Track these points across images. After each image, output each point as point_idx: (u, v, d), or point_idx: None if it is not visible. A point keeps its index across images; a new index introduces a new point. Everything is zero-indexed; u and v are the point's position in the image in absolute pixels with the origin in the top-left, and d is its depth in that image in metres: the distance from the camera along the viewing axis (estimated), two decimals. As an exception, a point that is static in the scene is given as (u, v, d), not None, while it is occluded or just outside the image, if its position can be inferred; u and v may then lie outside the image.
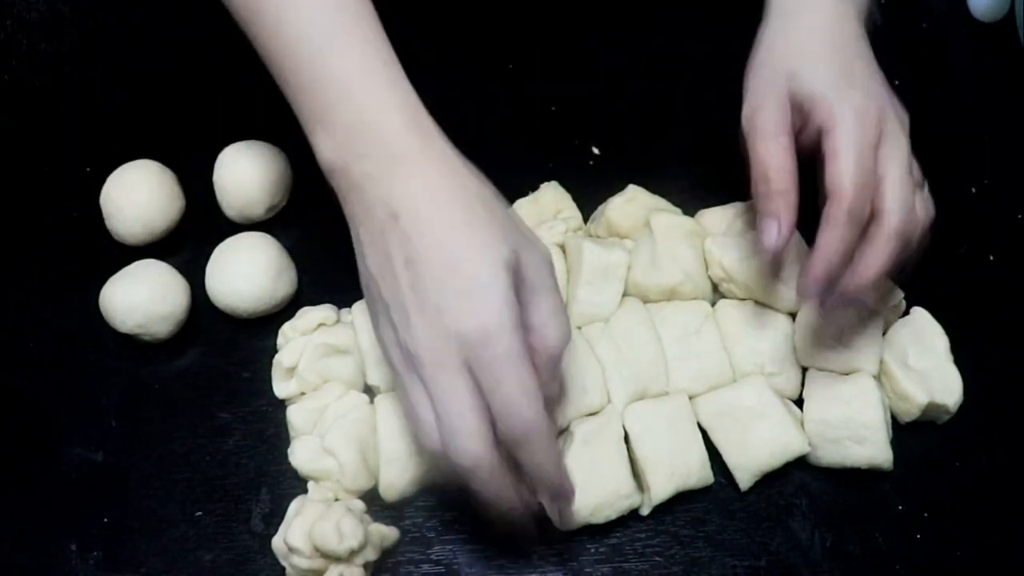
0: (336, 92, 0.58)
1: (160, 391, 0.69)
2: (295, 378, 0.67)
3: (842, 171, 0.59)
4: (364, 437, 0.64)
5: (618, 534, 0.64)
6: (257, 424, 0.68)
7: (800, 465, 0.66)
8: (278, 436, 0.67)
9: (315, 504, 0.61)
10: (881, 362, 0.67)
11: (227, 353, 0.71)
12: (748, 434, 0.64)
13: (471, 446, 0.54)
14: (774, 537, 0.64)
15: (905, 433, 0.67)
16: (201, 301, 0.71)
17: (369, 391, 0.67)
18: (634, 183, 0.73)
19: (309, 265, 0.73)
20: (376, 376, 0.66)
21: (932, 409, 0.67)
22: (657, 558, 0.64)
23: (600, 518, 0.62)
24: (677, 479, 0.63)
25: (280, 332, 0.68)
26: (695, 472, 0.63)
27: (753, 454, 0.64)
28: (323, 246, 0.74)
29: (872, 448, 0.64)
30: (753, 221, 0.67)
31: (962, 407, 0.67)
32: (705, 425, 0.65)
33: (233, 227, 0.74)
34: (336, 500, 0.63)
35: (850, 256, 0.60)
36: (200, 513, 0.65)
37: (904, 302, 0.70)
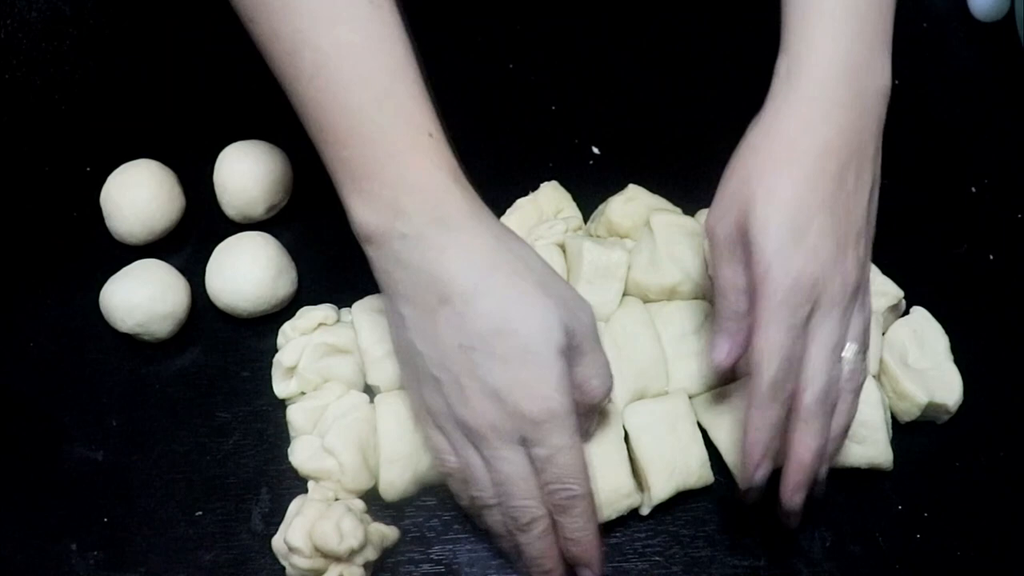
0: (373, 146, 0.56)
1: (160, 391, 0.69)
2: (295, 378, 0.67)
3: (763, 348, 0.57)
4: (364, 437, 0.64)
5: (618, 534, 0.64)
6: (257, 424, 0.68)
7: (800, 465, 0.66)
8: (278, 436, 0.67)
9: (315, 504, 0.61)
10: (881, 362, 0.67)
11: (227, 353, 0.71)
12: (748, 434, 0.64)
13: (532, 506, 0.57)
14: (774, 537, 0.64)
15: (905, 433, 0.67)
16: (201, 301, 0.71)
17: (369, 391, 0.67)
18: (634, 183, 0.73)
19: (309, 265, 0.73)
20: (376, 376, 0.66)
21: (932, 409, 0.67)
22: (657, 558, 0.64)
23: (601, 518, 0.62)
24: (677, 479, 0.63)
25: (280, 332, 0.69)
26: (695, 472, 0.63)
27: (753, 454, 0.64)
28: (323, 246, 0.74)
29: (872, 448, 0.64)
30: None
31: (962, 407, 0.68)
32: (705, 425, 0.65)
33: (233, 227, 0.74)
34: (336, 500, 0.63)
35: (782, 427, 0.58)
36: (200, 513, 0.65)
37: (904, 302, 0.70)
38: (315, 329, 0.68)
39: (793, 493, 0.59)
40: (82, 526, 0.64)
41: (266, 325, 0.71)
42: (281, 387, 0.68)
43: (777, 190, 0.58)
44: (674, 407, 0.65)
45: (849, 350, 0.59)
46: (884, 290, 0.69)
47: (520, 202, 0.74)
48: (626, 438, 0.64)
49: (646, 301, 0.69)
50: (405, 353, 0.60)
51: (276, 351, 0.68)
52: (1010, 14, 0.85)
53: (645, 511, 0.64)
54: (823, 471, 0.60)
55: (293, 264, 0.72)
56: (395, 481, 0.63)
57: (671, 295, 0.68)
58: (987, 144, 0.82)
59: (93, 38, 0.86)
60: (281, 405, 0.67)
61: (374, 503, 0.64)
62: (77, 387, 0.69)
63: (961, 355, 0.69)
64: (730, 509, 0.65)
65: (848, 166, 0.59)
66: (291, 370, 0.67)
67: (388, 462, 0.63)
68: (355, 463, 0.63)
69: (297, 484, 0.65)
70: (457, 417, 0.57)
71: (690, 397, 0.66)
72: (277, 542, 0.62)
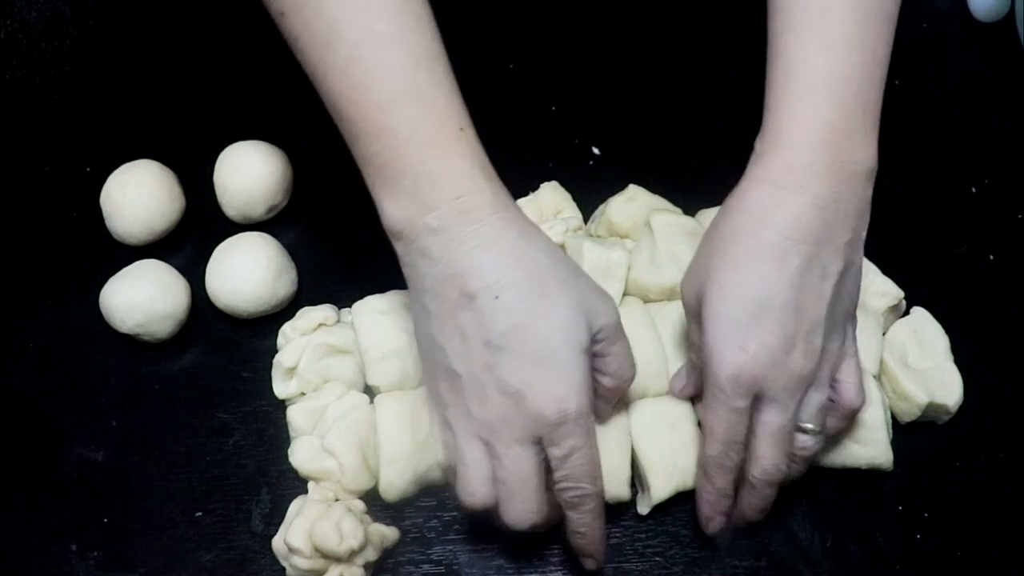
0: (403, 139, 0.56)
1: (160, 391, 0.69)
2: (295, 378, 0.67)
3: (707, 427, 0.60)
4: (364, 437, 0.64)
5: (618, 534, 0.64)
6: (257, 424, 0.68)
7: (800, 465, 0.66)
8: (278, 436, 0.67)
9: (315, 504, 0.61)
10: (881, 362, 0.67)
11: (227, 353, 0.71)
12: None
13: (532, 511, 0.58)
14: (774, 537, 0.64)
15: (905, 433, 0.67)
16: (201, 301, 0.71)
17: (369, 391, 0.67)
18: (634, 183, 0.73)
19: (309, 265, 0.73)
20: (376, 376, 0.66)
21: (932, 409, 0.67)
22: (657, 558, 0.64)
23: None
24: (677, 479, 0.63)
25: (280, 332, 0.69)
26: (695, 472, 0.63)
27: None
28: (323, 246, 0.74)
29: (872, 448, 0.64)
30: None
31: (962, 407, 0.68)
32: None
33: (233, 227, 0.74)
34: (336, 500, 0.63)
35: (734, 489, 0.61)
36: (200, 513, 0.65)
37: (904, 302, 0.70)
38: (315, 329, 0.68)
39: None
40: (82, 526, 0.64)
41: (266, 325, 0.71)
42: (281, 388, 0.68)
43: (731, 283, 0.58)
44: (675, 407, 0.65)
45: (804, 431, 0.60)
46: (884, 290, 0.69)
47: (520, 202, 0.74)
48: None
49: (646, 301, 0.69)
50: (426, 346, 0.60)
51: (276, 351, 0.68)
52: (1010, 14, 0.85)
53: (644, 511, 0.64)
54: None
55: (293, 264, 0.72)
56: (395, 481, 0.63)
57: (671, 295, 0.68)
58: (987, 144, 0.82)
59: (93, 38, 0.86)
60: (281, 405, 0.67)
61: (374, 503, 0.64)
62: (77, 387, 0.69)
63: (961, 355, 0.69)
64: (730, 509, 0.65)
65: (814, 259, 0.57)
66: (291, 371, 0.67)
67: (388, 462, 0.63)
68: (355, 464, 0.63)
69: (297, 484, 0.65)
70: (473, 413, 0.57)
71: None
72: (277, 543, 0.62)
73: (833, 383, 0.60)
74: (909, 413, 0.67)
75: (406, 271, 0.59)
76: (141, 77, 0.83)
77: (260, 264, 0.70)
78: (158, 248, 0.74)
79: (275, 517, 0.64)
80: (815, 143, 0.58)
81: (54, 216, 0.76)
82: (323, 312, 0.68)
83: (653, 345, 0.66)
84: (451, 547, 0.64)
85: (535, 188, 0.75)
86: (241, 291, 0.69)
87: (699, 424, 0.64)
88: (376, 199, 0.58)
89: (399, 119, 0.56)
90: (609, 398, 0.61)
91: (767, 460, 0.59)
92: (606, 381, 0.60)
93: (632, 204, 0.72)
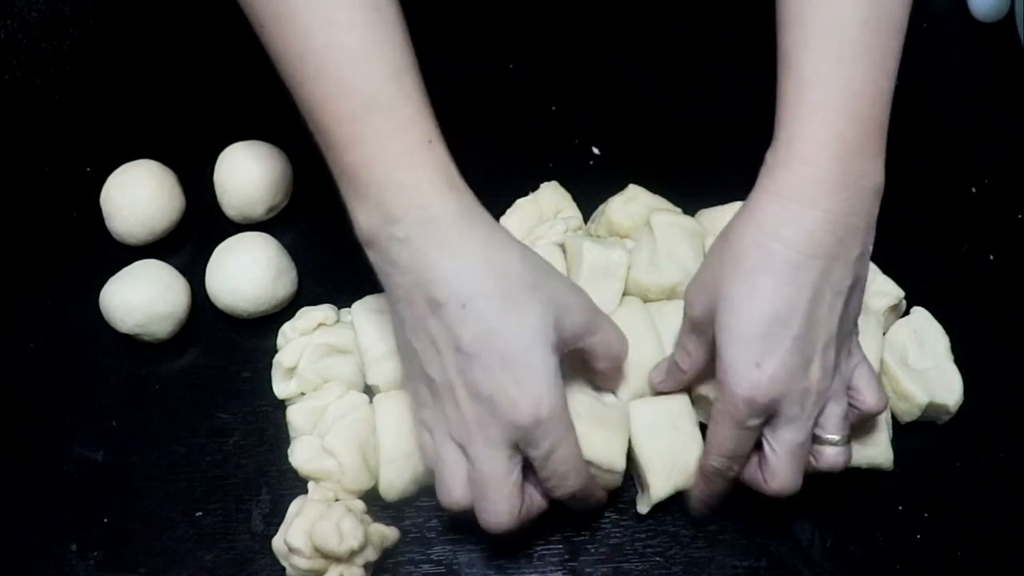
0: (371, 151, 0.57)
1: (160, 391, 0.69)
2: (295, 378, 0.67)
3: (712, 439, 0.60)
4: (364, 437, 0.64)
5: (618, 534, 0.64)
6: (257, 424, 0.68)
7: (800, 465, 0.66)
8: (278, 436, 0.67)
9: (315, 504, 0.61)
10: (881, 362, 0.67)
11: (227, 353, 0.71)
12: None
13: (505, 514, 0.58)
14: (774, 537, 0.64)
15: (905, 433, 0.67)
16: (201, 301, 0.71)
17: (369, 391, 0.67)
18: (634, 183, 0.73)
19: (309, 265, 0.73)
20: (376, 376, 0.66)
21: (932, 409, 0.67)
22: (657, 558, 0.64)
23: None
24: (676, 478, 0.63)
25: (280, 332, 0.69)
26: (694, 471, 0.63)
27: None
28: (323, 246, 0.74)
29: (872, 448, 0.64)
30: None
31: (962, 407, 0.67)
32: (705, 420, 0.65)
33: (233, 227, 0.74)
34: (336, 500, 0.63)
35: (726, 493, 0.62)
36: (200, 513, 0.65)
37: (904, 302, 0.70)
38: (315, 329, 0.68)
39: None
40: (82, 526, 0.64)
41: (266, 325, 0.71)
42: (281, 387, 0.68)
43: (745, 297, 0.57)
44: (674, 406, 0.65)
45: (830, 443, 0.60)
46: (884, 290, 0.69)
47: (520, 202, 0.74)
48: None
49: (646, 301, 0.69)
50: (404, 352, 0.61)
51: (276, 351, 0.68)
52: (1010, 14, 0.85)
53: (644, 510, 0.64)
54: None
55: (293, 264, 0.72)
56: (395, 481, 0.63)
57: (671, 295, 0.68)
58: (987, 144, 0.82)
59: (93, 38, 0.86)
60: (281, 405, 0.67)
61: (374, 503, 0.64)
62: (77, 387, 0.69)
63: (961, 355, 0.69)
64: (730, 509, 0.65)
65: (827, 274, 0.57)
66: (291, 370, 0.67)
67: (388, 462, 0.63)
68: (355, 463, 0.63)
69: (297, 484, 0.65)
70: (448, 417, 0.57)
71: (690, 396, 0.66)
72: (277, 543, 0.62)
73: (850, 391, 0.60)
74: (909, 413, 0.67)
75: (380, 278, 0.59)
76: (141, 77, 0.83)
77: (260, 264, 0.70)
78: (158, 248, 0.74)
79: (275, 517, 0.64)
80: (828, 158, 0.58)
81: (54, 216, 0.76)
82: (323, 312, 0.68)
83: (653, 345, 0.66)
84: (451, 547, 0.64)
85: (535, 188, 0.75)
86: (241, 291, 0.69)
87: (700, 424, 0.64)
88: (349, 208, 0.59)
89: (366, 131, 0.57)
90: (611, 377, 0.63)
91: (787, 478, 0.59)
92: (600, 365, 0.62)
93: (632, 204, 0.72)
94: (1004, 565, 0.64)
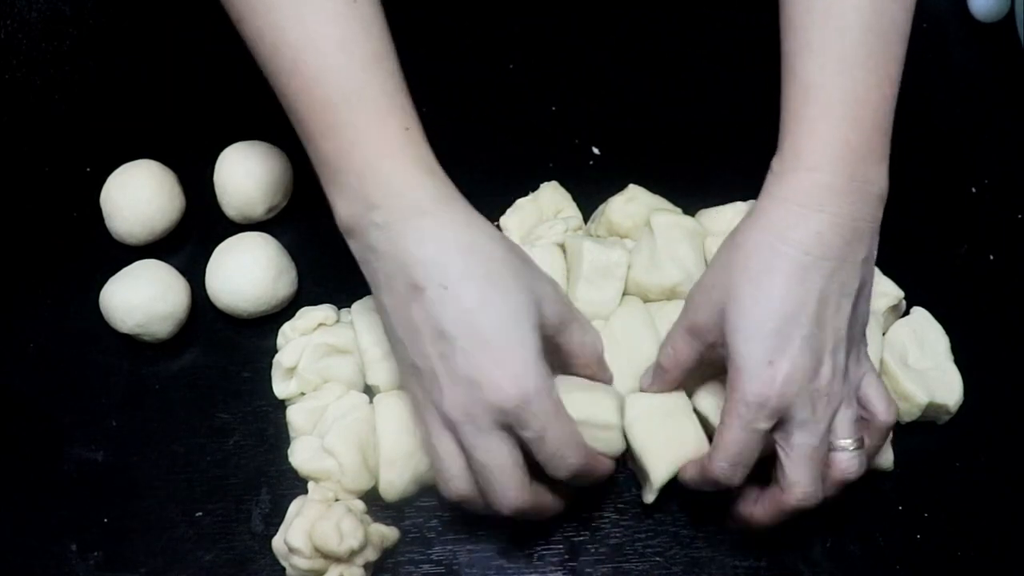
0: (348, 139, 0.58)
1: (160, 391, 0.69)
2: (295, 378, 0.67)
3: (719, 441, 0.58)
4: (364, 437, 0.64)
5: (618, 534, 0.64)
6: (257, 424, 0.68)
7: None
8: (278, 436, 0.67)
9: (315, 504, 0.61)
10: (881, 362, 0.67)
11: (227, 353, 0.71)
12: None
13: (515, 497, 0.57)
14: (774, 537, 0.64)
15: (905, 433, 0.67)
16: (201, 301, 0.71)
17: (369, 391, 0.67)
18: (634, 183, 0.73)
19: (309, 265, 0.73)
20: (376, 376, 0.66)
21: (932, 409, 0.67)
22: (657, 558, 0.64)
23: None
24: (675, 459, 0.61)
25: (280, 332, 0.69)
26: (691, 444, 0.62)
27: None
28: (323, 246, 0.74)
29: (872, 448, 0.64)
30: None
31: (962, 407, 0.67)
32: (702, 413, 0.64)
33: (233, 227, 0.74)
34: (336, 500, 0.63)
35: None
36: (200, 513, 0.65)
37: (904, 302, 0.70)
38: (315, 329, 0.68)
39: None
40: (82, 526, 0.64)
41: (266, 325, 0.71)
42: (281, 388, 0.68)
43: (754, 298, 0.58)
44: (672, 399, 0.64)
45: (844, 449, 0.59)
46: (884, 290, 0.69)
47: (520, 202, 0.74)
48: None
49: (646, 301, 0.69)
50: (392, 343, 0.61)
51: (276, 351, 0.68)
52: (1010, 14, 0.85)
53: (650, 498, 0.63)
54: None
55: (293, 264, 0.72)
56: (395, 481, 0.63)
57: (671, 295, 0.68)
58: (987, 144, 0.82)
59: (93, 38, 0.86)
60: (281, 405, 0.67)
61: (374, 503, 0.64)
62: (77, 387, 0.69)
63: (961, 355, 0.69)
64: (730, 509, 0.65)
65: (835, 275, 0.58)
66: (291, 371, 0.67)
67: (388, 462, 0.63)
68: (355, 463, 0.63)
69: (297, 484, 0.65)
70: (436, 406, 0.57)
71: (689, 396, 0.66)
72: (277, 543, 0.62)
73: (860, 401, 0.60)
74: (909, 413, 0.67)
75: (362, 268, 0.60)
76: (141, 77, 0.83)
77: (260, 264, 0.70)
78: (158, 248, 0.74)
79: (275, 517, 0.64)
80: (833, 164, 0.58)
81: (54, 216, 0.76)
82: (323, 312, 0.68)
83: (653, 345, 0.66)
84: (451, 547, 0.64)
85: (535, 188, 0.75)
86: (241, 291, 0.69)
87: (698, 415, 0.64)
88: (329, 198, 0.60)
89: (341, 120, 0.58)
90: (594, 373, 0.63)
91: (807, 485, 0.58)
92: (578, 364, 0.62)
93: (632, 204, 0.72)
94: (1004, 565, 0.64)
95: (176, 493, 0.66)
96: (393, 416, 0.63)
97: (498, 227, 0.73)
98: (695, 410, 0.64)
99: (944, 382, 0.67)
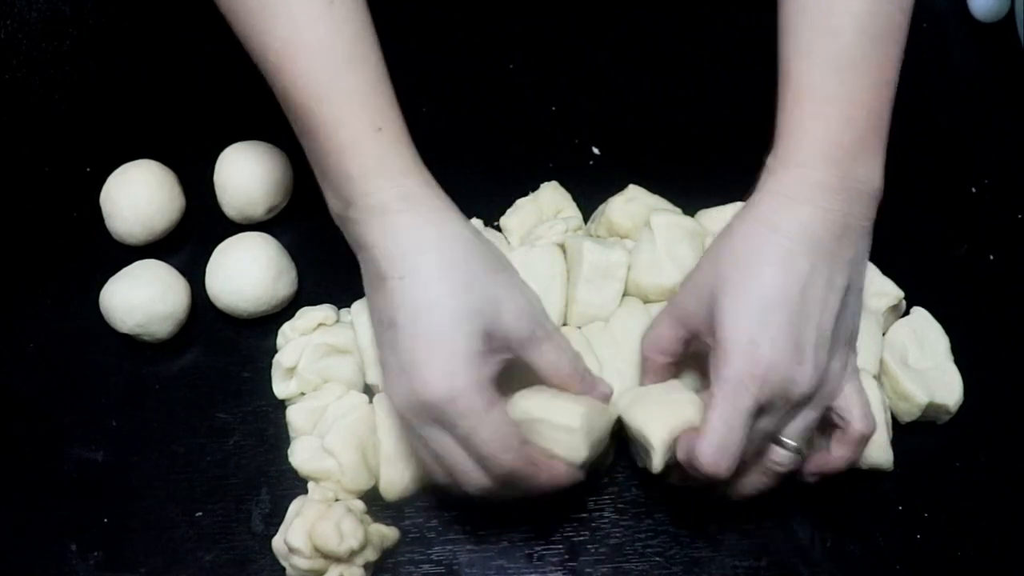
0: (322, 140, 0.60)
1: (160, 391, 0.69)
2: (295, 378, 0.67)
3: (705, 428, 0.57)
4: (364, 437, 0.64)
5: (618, 534, 0.64)
6: (257, 424, 0.68)
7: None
8: (278, 436, 0.67)
9: (315, 504, 0.61)
10: (881, 362, 0.67)
11: (227, 353, 0.71)
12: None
13: (471, 479, 0.58)
14: (774, 537, 0.64)
15: (905, 433, 0.67)
16: (201, 301, 0.71)
17: (369, 391, 0.67)
18: (634, 183, 0.73)
19: (309, 265, 0.73)
20: (376, 376, 0.65)
21: (932, 409, 0.67)
22: (657, 558, 0.64)
23: None
24: (673, 422, 0.60)
25: (280, 332, 0.69)
26: (689, 409, 0.60)
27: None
28: (323, 246, 0.73)
29: (872, 448, 0.64)
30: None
31: (962, 407, 0.67)
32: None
33: (233, 227, 0.74)
34: (336, 500, 0.63)
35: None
36: (200, 513, 0.65)
37: (904, 302, 0.70)
38: (315, 329, 0.68)
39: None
40: (82, 526, 0.64)
41: (266, 325, 0.71)
42: (281, 387, 0.68)
43: (740, 281, 0.58)
44: (668, 385, 0.63)
45: (784, 445, 0.59)
46: (884, 290, 0.69)
47: (520, 202, 0.74)
48: (621, 426, 0.63)
49: (646, 301, 0.69)
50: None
51: (276, 351, 0.68)
52: (1010, 14, 0.85)
53: (659, 466, 0.60)
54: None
55: (293, 264, 0.72)
56: (395, 481, 0.63)
57: (671, 295, 0.68)
58: (987, 144, 0.82)
59: (93, 38, 0.86)
60: (281, 405, 0.68)
61: (374, 503, 0.64)
62: (77, 387, 0.69)
63: (961, 355, 0.69)
64: (730, 509, 0.65)
65: (820, 268, 0.58)
66: (291, 370, 0.67)
67: (388, 462, 0.63)
68: (355, 463, 0.63)
69: (297, 484, 0.65)
70: (394, 398, 0.59)
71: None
72: (277, 543, 0.62)
73: (837, 409, 0.60)
74: (909, 413, 0.67)
75: (357, 257, 0.62)
76: (141, 77, 0.83)
77: (260, 264, 0.70)
78: (158, 248, 0.74)
79: (275, 517, 0.64)
80: (825, 163, 0.59)
81: (54, 216, 0.76)
82: (323, 312, 0.68)
83: (653, 345, 0.66)
84: (451, 547, 0.64)
85: (535, 188, 0.75)
86: (241, 291, 0.69)
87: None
88: (322, 190, 0.62)
89: (316, 122, 0.60)
90: (578, 392, 0.61)
91: (788, 456, 0.59)
92: (550, 382, 0.60)
93: (632, 204, 0.72)
94: (1004, 565, 0.64)
95: (176, 493, 0.66)
96: (393, 416, 0.63)
97: (498, 227, 0.74)
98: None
99: (944, 382, 0.67)
